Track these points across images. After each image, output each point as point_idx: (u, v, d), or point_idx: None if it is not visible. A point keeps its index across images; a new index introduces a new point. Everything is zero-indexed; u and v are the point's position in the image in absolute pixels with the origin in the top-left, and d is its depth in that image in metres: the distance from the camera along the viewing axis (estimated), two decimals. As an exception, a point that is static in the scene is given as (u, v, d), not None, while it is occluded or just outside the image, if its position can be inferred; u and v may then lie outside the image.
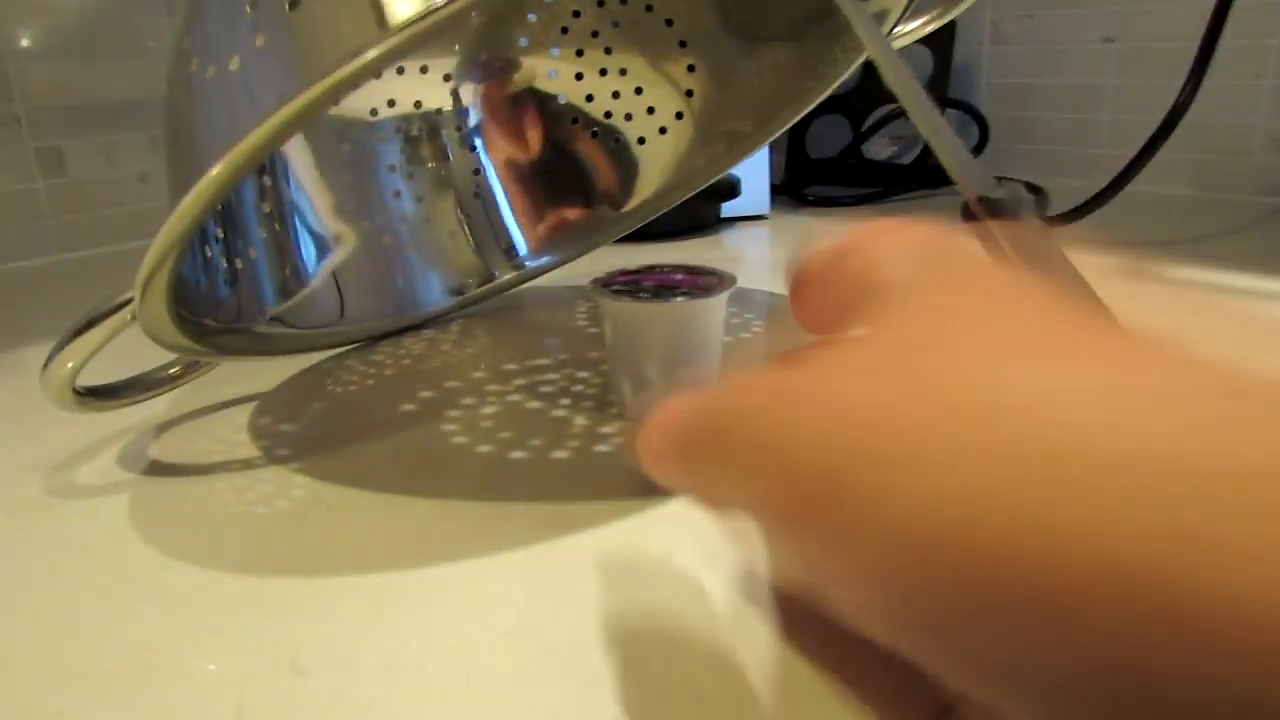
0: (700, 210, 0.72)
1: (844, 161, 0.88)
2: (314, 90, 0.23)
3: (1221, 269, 0.55)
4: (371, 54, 0.24)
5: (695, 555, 0.27)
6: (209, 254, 0.37)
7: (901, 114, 0.85)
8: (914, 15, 0.42)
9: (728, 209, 0.75)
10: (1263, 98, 0.73)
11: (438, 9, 0.23)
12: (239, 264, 0.40)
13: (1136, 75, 0.80)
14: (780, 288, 0.56)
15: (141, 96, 0.79)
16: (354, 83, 0.24)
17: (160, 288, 0.30)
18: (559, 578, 0.26)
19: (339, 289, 0.46)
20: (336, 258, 0.46)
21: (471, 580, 0.27)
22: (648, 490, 0.31)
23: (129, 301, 0.30)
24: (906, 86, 0.28)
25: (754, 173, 0.75)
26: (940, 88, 0.87)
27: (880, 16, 0.38)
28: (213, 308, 0.37)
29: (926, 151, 0.87)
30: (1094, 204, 0.62)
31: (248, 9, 0.26)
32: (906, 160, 0.88)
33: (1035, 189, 0.79)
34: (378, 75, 0.45)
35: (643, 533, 0.29)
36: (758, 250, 0.67)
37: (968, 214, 0.26)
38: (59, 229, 0.77)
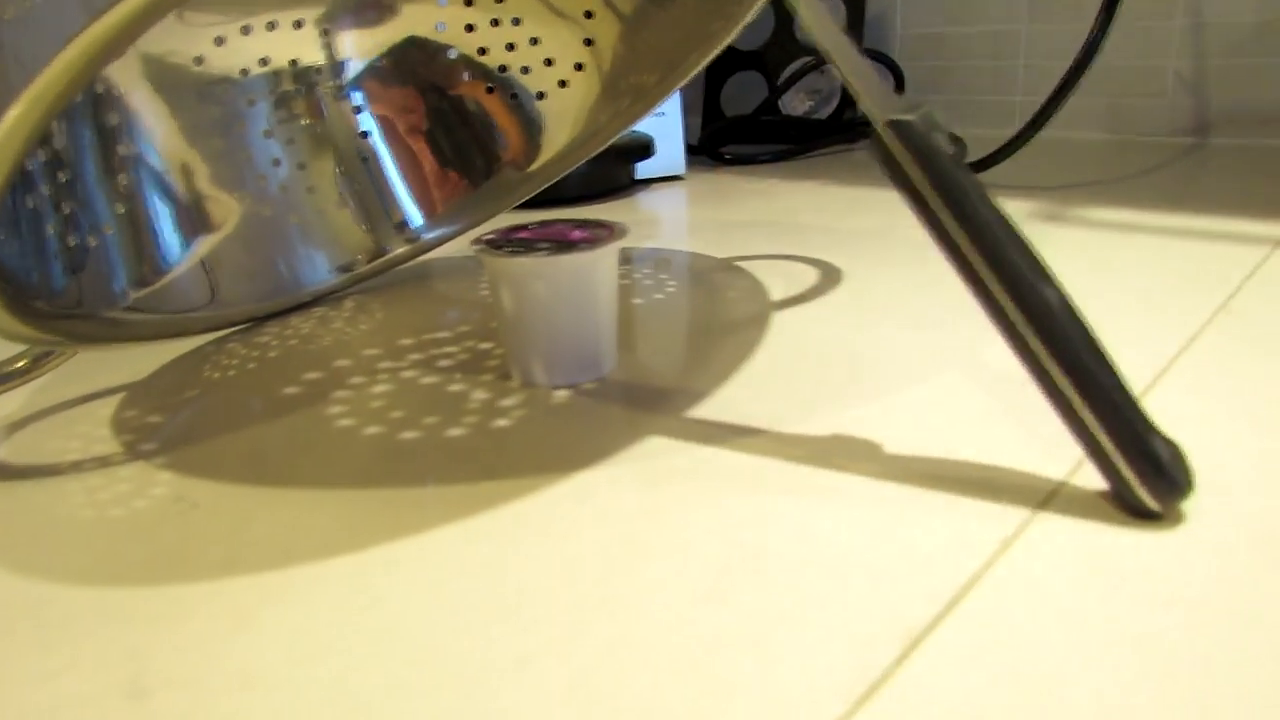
0: (613, 172, 0.69)
1: (760, 118, 0.86)
2: (111, 16, 0.20)
3: (1136, 208, 0.54)
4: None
5: (605, 531, 0.25)
6: (46, 232, 0.33)
7: (816, 67, 0.83)
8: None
9: (642, 170, 0.72)
10: (1173, 39, 0.73)
11: None
12: (91, 242, 0.36)
13: (1050, 21, 0.79)
14: (696, 246, 0.54)
15: None
16: (161, 9, 0.21)
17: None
18: (446, 572, 0.24)
19: (206, 270, 0.42)
20: (209, 238, 0.42)
21: (347, 579, 0.24)
22: (546, 466, 0.28)
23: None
24: (813, 11, 0.26)
25: (668, 132, 0.72)
26: (855, 40, 0.85)
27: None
28: (47, 293, 0.33)
29: (843, 105, 0.86)
30: (1009, 149, 0.61)
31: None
32: (823, 115, 0.86)
33: (954, 138, 0.77)
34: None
35: (545, 512, 0.26)
36: (674, 211, 0.65)
37: (876, 142, 0.23)
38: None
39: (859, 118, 0.87)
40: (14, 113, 0.21)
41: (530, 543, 0.25)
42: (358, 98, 0.47)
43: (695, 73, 0.44)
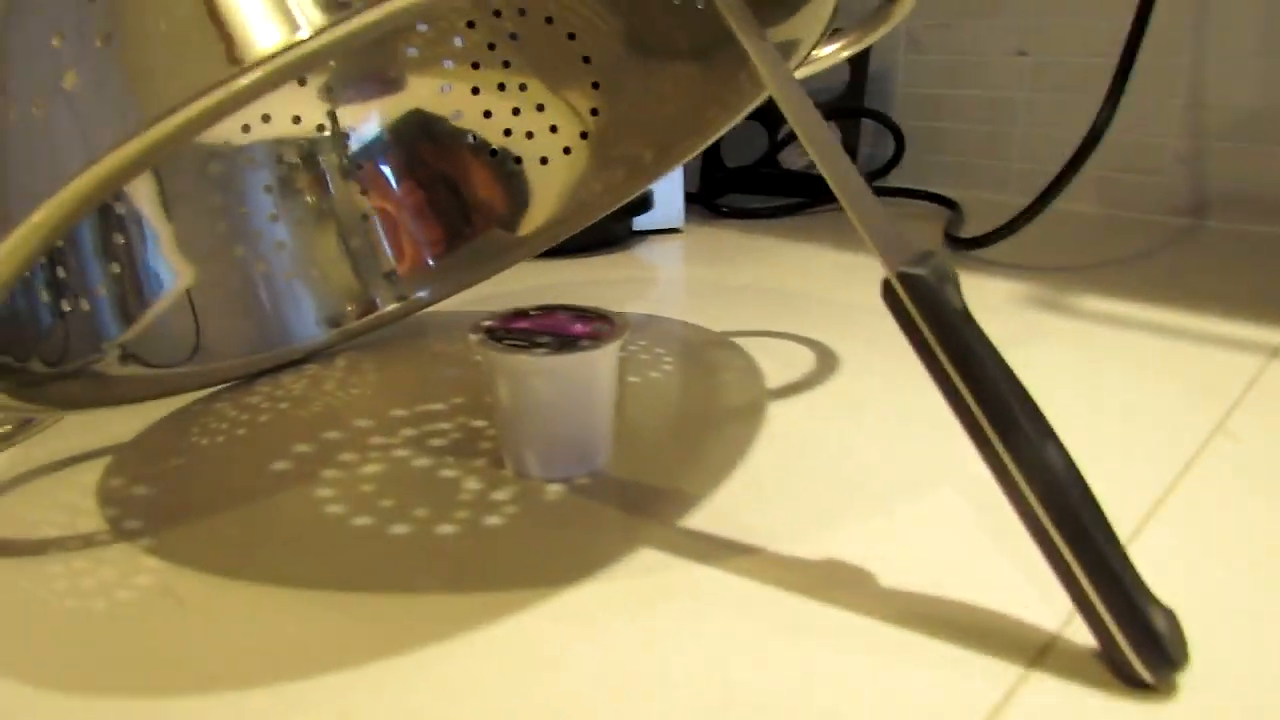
0: (611, 225, 0.69)
1: (760, 170, 0.86)
2: (129, 147, 0.20)
3: (1131, 299, 0.54)
4: (203, 103, 0.20)
5: (595, 660, 0.24)
6: (41, 296, 0.33)
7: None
8: (830, 39, 0.40)
9: (639, 222, 0.72)
10: (1174, 117, 0.74)
11: (303, 42, 0.20)
12: (84, 306, 0.36)
13: (1049, 90, 0.80)
14: (692, 314, 0.54)
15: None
16: (194, 128, 0.21)
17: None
18: (429, 697, 0.23)
19: (196, 319, 0.42)
20: (197, 287, 0.42)
21: (330, 700, 0.23)
22: (537, 578, 0.28)
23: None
24: (812, 132, 0.26)
25: (667, 184, 0.72)
26: (856, 97, 0.85)
27: (789, 47, 0.35)
28: (35, 342, 0.32)
29: (843, 161, 0.86)
30: (1007, 230, 0.61)
31: (53, 41, 0.22)
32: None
33: (949, 203, 0.78)
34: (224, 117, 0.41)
35: (535, 633, 0.26)
36: (671, 270, 0.65)
37: (888, 292, 0.23)
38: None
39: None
40: (11, 241, 0.21)
41: (517, 668, 0.24)
42: (358, 157, 0.47)
43: (691, 157, 0.44)
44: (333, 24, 0.19)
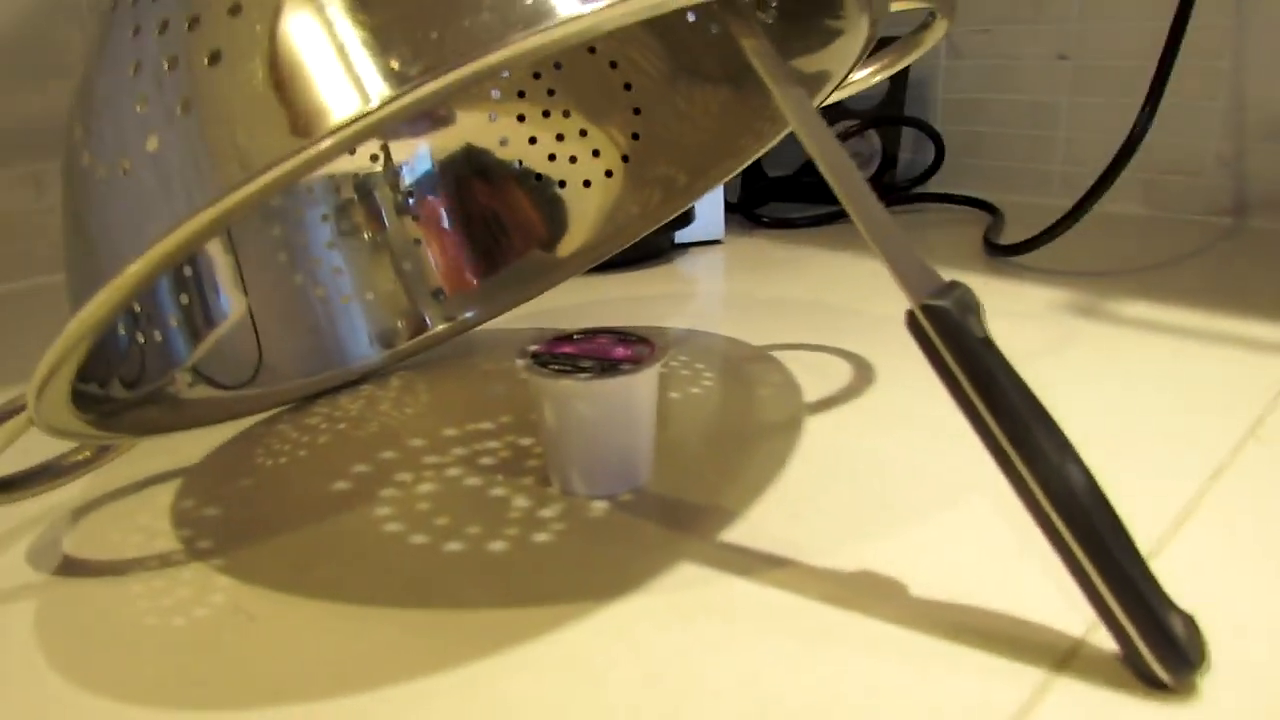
0: (653, 238, 0.71)
1: (801, 179, 0.87)
2: (209, 213, 0.21)
3: (1168, 304, 0.54)
4: (275, 172, 0.22)
5: (636, 672, 0.26)
6: (119, 330, 0.35)
7: (858, 131, 0.84)
8: (866, 62, 0.41)
9: (681, 235, 0.73)
10: (1215, 119, 0.73)
11: (368, 113, 0.21)
12: (157, 337, 0.38)
13: (1090, 93, 0.80)
14: (732, 328, 0.55)
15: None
16: (264, 195, 0.23)
17: (59, 389, 0.28)
18: (481, 708, 0.25)
19: (259, 342, 0.44)
20: (259, 312, 0.44)
21: (392, 712, 0.25)
22: (583, 592, 0.30)
23: (23, 407, 0.28)
24: (839, 170, 0.27)
25: (708, 198, 0.73)
26: (896, 104, 0.86)
27: (819, 79, 0.36)
28: (116, 366, 0.35)
29: (884, 167, 0.86)
30: (1048, 235, 0.62)
31: (137, 107, 0.24)
32: (864, 177, 0.87)
33: (991, 208, 0.78)
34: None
35: (581, 646, 0.27)
36: (711, 283, 0.66)
37: (913, 323, 0.25)
38: (-15, 262, 0.74)
39: (898, 182, 0.88)
40: (93, 305, 0.23)
41: (564, 681, 0.26)
42: (410, 188, 0.49)
43: (725, 181, 0.45)
44: (398, 95, 0.20)
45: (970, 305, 0.24)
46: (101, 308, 0.23)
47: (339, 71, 0.21)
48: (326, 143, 0.20)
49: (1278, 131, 0.71)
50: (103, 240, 0.24)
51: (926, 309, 0.24)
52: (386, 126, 0.21)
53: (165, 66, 0.23)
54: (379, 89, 0.20)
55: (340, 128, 0.20)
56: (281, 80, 0.21)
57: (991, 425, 0.24)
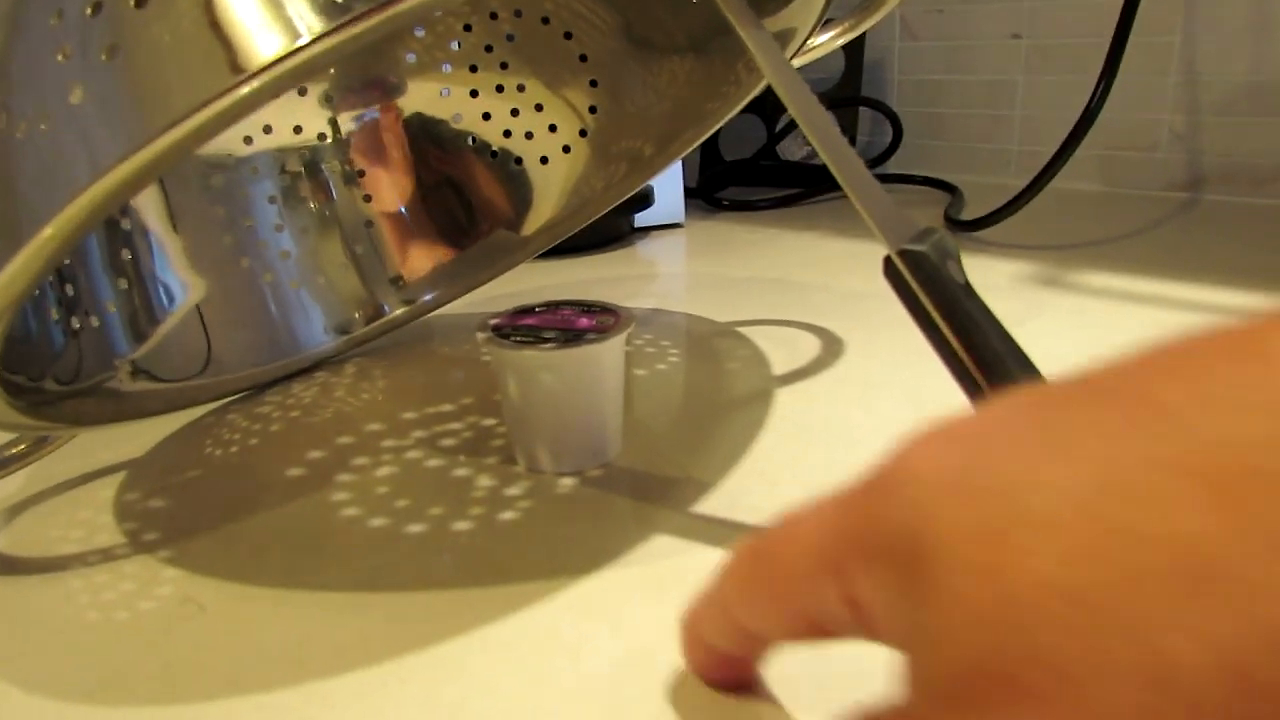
0: (613, 221, 0.70)
1: (759, 162, 0.86)
2: (135, 160, 0.20)
3: (1130, 273, 0.54)
4: (207, 112, 0.20)
5: (614, 646, 0.25)
6: (52, 315, 0.33)
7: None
8: (824, 29, 0.40)
9: (641, 219, 0.72)
10: (1167, 95, 0.74)
11: (303, 47, 0.20)
12: (94, 322, 0.36)
13: (1044, 71, 0.80)
14: (696, 307, 0.54)
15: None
16: (200, 138, 0.21)
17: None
18: (457, 689, 0.24)
19: (205, 331, 0.42)
20: (206, 299, 0.42)
21: (359, 697, 0.24)
22: (554, 568, 0.28)
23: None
24: (813, 119, 0.26)
25: (667, 179, 0.72)
26: (852, 86, 0.85)
27: (785, 36, 0.35)
28: (49, 362, 0.33)
29: (840, 150, 0.86)
30: (1006, 211, 0.62)
31: (59, 58, 0.22)
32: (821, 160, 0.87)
33: (950, 187, 0.78)
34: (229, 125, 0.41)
35: (554, 622, 0.26)
36: (673, 265, 0.65)
37: (889, 268, 0.24)
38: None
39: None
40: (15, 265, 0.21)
41: (539, 658, 0.25)
42: (363, 169, 0.47)
43: (691, 149, 0.44)
44: (332, 29, 0.19)
45: (949, 250, 0.23)
46: (27, 267, 0.21)
47: (277, 4, 0.19)
48: (259, 80, 0.19)
49: (1230, 106, 0.71)
50: (22, 202, 0.23)
51: (904, 253, 0.23)
52: (322, 64, 0.19)
53: (88, 12, 0.22)
54: (314, 24, 0.19)
55: (274, 62, 0.19)
56: (215, 17, 0.20)
57: (974, 372, 0.23)
